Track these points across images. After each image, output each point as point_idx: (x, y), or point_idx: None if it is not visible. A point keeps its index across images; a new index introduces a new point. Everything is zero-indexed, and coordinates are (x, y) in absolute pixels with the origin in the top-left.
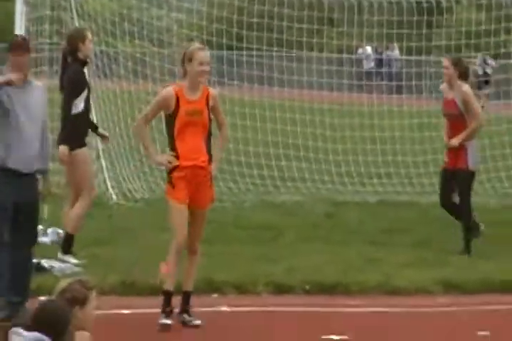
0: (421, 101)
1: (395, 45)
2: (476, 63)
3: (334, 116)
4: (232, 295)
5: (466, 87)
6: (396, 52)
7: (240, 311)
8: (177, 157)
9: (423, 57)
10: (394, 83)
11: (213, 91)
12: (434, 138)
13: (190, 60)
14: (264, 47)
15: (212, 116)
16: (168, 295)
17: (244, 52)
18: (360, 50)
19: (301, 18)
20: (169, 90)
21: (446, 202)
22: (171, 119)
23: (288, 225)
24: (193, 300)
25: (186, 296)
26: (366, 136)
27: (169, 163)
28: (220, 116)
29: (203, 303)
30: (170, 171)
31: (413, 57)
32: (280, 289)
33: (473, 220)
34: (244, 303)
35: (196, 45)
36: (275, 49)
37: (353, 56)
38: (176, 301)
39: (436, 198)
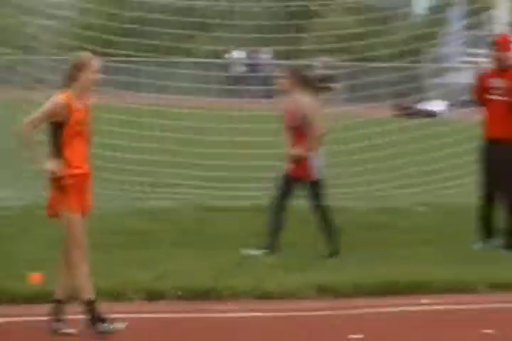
0: None
1: (266, 49)
2: (318, 67)
3: (202, 120)
4: (104, 302)
5: (303, 100)
6: (267, 56)
7: (114, 318)
8: (67, 165)
9: (294, 61)
10: (265, 87)
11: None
12: None
13: (84, 68)
14: (133, 53)
15: None
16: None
17: (114, 58)
18: (227, 55)
19: (173, 23)
20: (62, 98)
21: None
22: (59, 127)
23: (159, 231)
24: (65, 307)
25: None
26: (237, 141)
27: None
28: None
29: (75, 311)
30: (58, 179)
31: (284, 62)
32: (152, 295)
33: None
34: (117, 310)
35: (87, 53)
36: (147, 55)
37: (224, 61)
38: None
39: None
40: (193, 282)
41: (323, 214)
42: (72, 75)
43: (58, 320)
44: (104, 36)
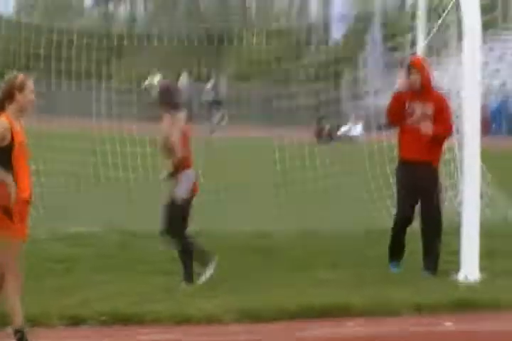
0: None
1: (185, 73)
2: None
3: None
4: (25, 329)
5: (165, 123)
6: (184, 81)
7: None
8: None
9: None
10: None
11: None
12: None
13: (22, 88)
14: (53, 78)
15: None
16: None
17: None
18: (148, 80)
19: (91, 47)
20: (5, 121)
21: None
22: (6, 151)
23: (81, 256)
24: None
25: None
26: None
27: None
28: None
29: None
30: (5, 203)
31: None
32: (75, 321)
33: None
34: (39, 336)
35: (20, 74)
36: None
37: (142, 85)
38: None
39: (230, 225)
40: (116, 307)
41: (179, 239)
42: (9, 96)
43: None
44: (23, 61)
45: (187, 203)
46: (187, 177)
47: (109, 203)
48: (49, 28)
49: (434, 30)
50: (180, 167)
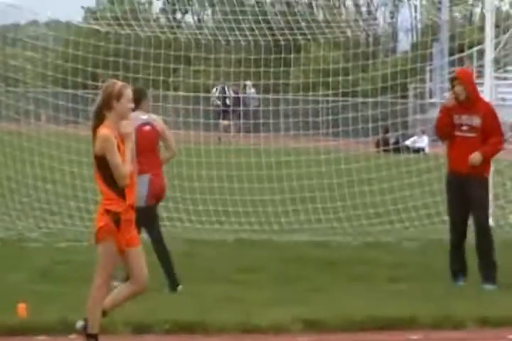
0: (278, 140)
1: (251, 83)
2: (215, 93)
3: (191, 155)
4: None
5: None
6: (252, 91)
7: None
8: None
9: (280, 95)
10: (251, 121)
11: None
12: (292, 175)
13: (119, 97)
14: None
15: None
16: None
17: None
18: (214, 89)
19: (158, 56)
20: (106, 131)
21: None
22: (104, 160)
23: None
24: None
25: None
26: (223, 175)
27: None
28: None
29: None
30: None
31: (270, 95)
32: (139, 329)
33: None
34: None
35: (119, 82)
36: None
37: (210, 94)
38: None
39: (293, 237)
40: (180, 315)
41: (156, 245)
42: (107, 104)
43: None
44: (90, 69)
45: (143, 211)
46: (141, 184)
47: (174, 212)
48: (117, 35)
49: (502, 44)
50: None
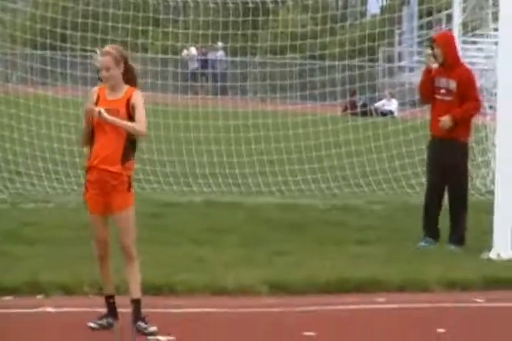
0: (246, 102)
1: (220, 45)
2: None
3: (159, 116)
4: (57, 296)
5: None
6: (220, 53)
7: (66, 312)
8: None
9: (248, 58)
10: (219, 84)
11: (137, 91)
12: (260, 138)
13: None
14: (89, 48)
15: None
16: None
17: (68, 53)
18: (184, 51)
19: (127, 18)
20: (94, 88)
21: None
22: None
23: None
24: (17, 301)
25: (135, 304)
26: (191, 137)
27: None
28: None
29: (27, 305)
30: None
31: (238, 58)
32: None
33: None
34: (70, 304)
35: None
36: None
37: (178, 56)
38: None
39: (261, 199)
40: (147, 277)
41: None
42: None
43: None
44: (59, 30)
45: None
46: None
47: (144, 174)
48: None
49: (470, 8)
50: None
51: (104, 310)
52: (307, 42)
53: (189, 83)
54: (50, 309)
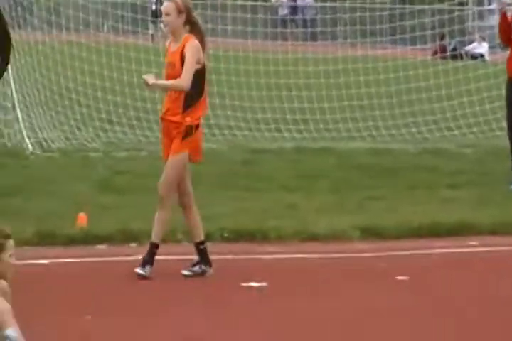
0: (336, 48)
1: None
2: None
3: (249, 63)
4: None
5: None
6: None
7: (160, 259)
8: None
9: (337, 3)
10: (309, 30)
11: (192, 40)
12: (350, 83)
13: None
14: None
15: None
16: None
17: (158, 1)
18: None
19: None
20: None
21: None
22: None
23: (204, 173)
24: (111, 249)
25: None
26: (281, 83)
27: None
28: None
29: (121, 253)
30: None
31: (327, 4)
32: None
33: None
34: (164, 252)
35: None
36: None
37: (268, 3)
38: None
39: (352, 144)
40: (239, 223)
41: None
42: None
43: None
44: None
45: None
46: None
47: (235, 121)
48: None
49: None
50: None
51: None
52: None
53: (279, 29)
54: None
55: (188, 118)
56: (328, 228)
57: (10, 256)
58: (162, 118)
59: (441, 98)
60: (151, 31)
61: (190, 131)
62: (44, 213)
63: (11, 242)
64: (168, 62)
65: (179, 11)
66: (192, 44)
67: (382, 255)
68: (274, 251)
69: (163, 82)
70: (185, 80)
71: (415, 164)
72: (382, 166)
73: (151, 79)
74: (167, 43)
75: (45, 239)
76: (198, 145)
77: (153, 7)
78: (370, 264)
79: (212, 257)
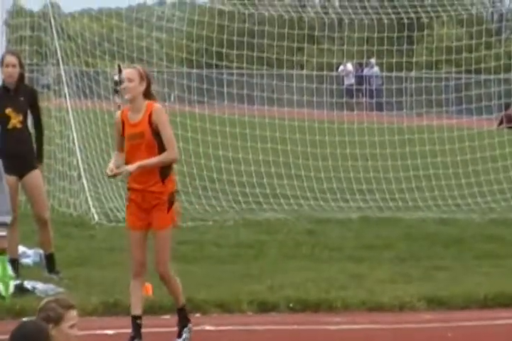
0: (402, 118)
1: (374, 61)
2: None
3: (315, 133)
4: (215, 314)
5: None
6: (375, 69)
7: (225, 330)
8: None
9: (403, 74)
10: (374, 100)
11: (157, 106)
12: (416, 153)
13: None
14: (245, 65)
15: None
16: (133, 320)
17: (225, 71)
18: (341, 67)
19: (282, 35)
20: (117, 115)
21: None
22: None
23: (270, 243)
24: (176, 319)
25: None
26: (347, 153)
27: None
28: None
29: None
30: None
31: (393, 74)
32: (264, 307)
33: None
34: (228, 322)
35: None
36: (255, 67)
37: (334, 73)
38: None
39: (418, 214)
40: (304, 294)
41: None
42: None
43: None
44: (215, 48)
45: None
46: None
47: (299, 191)
48: (241, 15)
49: None
50: None
51: None
52: (462, 56)
53: (344, 99)
54: (209, 327)
55: (168, 187)
56: (394, 298)
57: (71, 327)
58: (137, 190)
59: (507, 168)
60: (118, 101)
61: (173, 197)
62: (109, 283)
63: (72, 313)
64: (133, 133)
65: (141, 78)
66: (162, 110)
67: (449, 325)
68: (340, 322)
69: (148, 161)
70: (174, 151)
71: (481, 234)
72: (448, 236)
73: (130, 166)
74: (118, 116)
75: (111, 309)
76: (178, 210)
77: (116, 77)
78: (437, 334)
79: (277, 327)
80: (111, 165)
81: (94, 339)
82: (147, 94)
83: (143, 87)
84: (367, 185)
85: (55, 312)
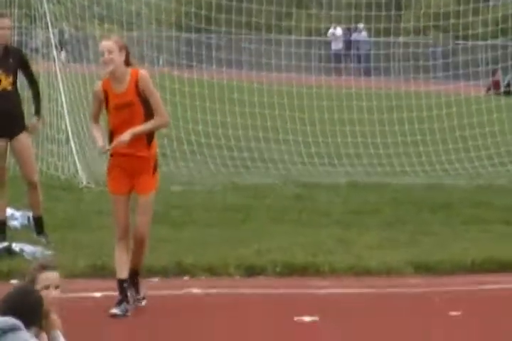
0: (389, 83)
1: (362, 26)
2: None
3: (303, 98)
4: (203, 278)
5: None
6: (364, 34)
7: (212, 293)
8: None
9: (391, 39)
10: (362, 65)
11: (142, 72)
12: (403, 119)
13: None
14: (233, 30)
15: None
16: (120, 284)
17: (213, 35)
18: (330, 30)
19: (270, 0)
20: (97, 85)
21: None
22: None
23: (258, 207)
24: (164, 282)
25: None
26: (335, 118)
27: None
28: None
29: (174, 286)
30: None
31: (381, 39)
32: (251, 271)
33: None
34: (216, 285)
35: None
36: (244, 32)
37: (322, 38)
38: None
39: (406, 179)
40: (291, 258)
41: None
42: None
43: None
44: (204, 12)
45: None
46: None
47: (287, 155)
48: None
49: None
50: None
51: None
52: (450, 22)
53: (332, 64)
54: (196, 290)
55: (153, 151)
56: (381, 263)
57: (46, 287)
58: (124, 155)
59: (494, 134)
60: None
61: (157, 162)
62: (97, 246)
63: (47, 274)
64: (120, 103)
65: (120, 48)
66: (147, 76)
67: (436, 290)
68: (327, 286)
69: (140, 128)
70: (165, 116)
71: (469, 199)
72: (435, 201)
73: (123, 136)
74: (99, 87)
75: (98, 272)
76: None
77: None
78: (423, 299)
79: (264, 291)
80: (100, 142)
81: (81, 302)
82: (128, 63)
83: (123, 57)
84: (354, 150)
85: (29, 275)
